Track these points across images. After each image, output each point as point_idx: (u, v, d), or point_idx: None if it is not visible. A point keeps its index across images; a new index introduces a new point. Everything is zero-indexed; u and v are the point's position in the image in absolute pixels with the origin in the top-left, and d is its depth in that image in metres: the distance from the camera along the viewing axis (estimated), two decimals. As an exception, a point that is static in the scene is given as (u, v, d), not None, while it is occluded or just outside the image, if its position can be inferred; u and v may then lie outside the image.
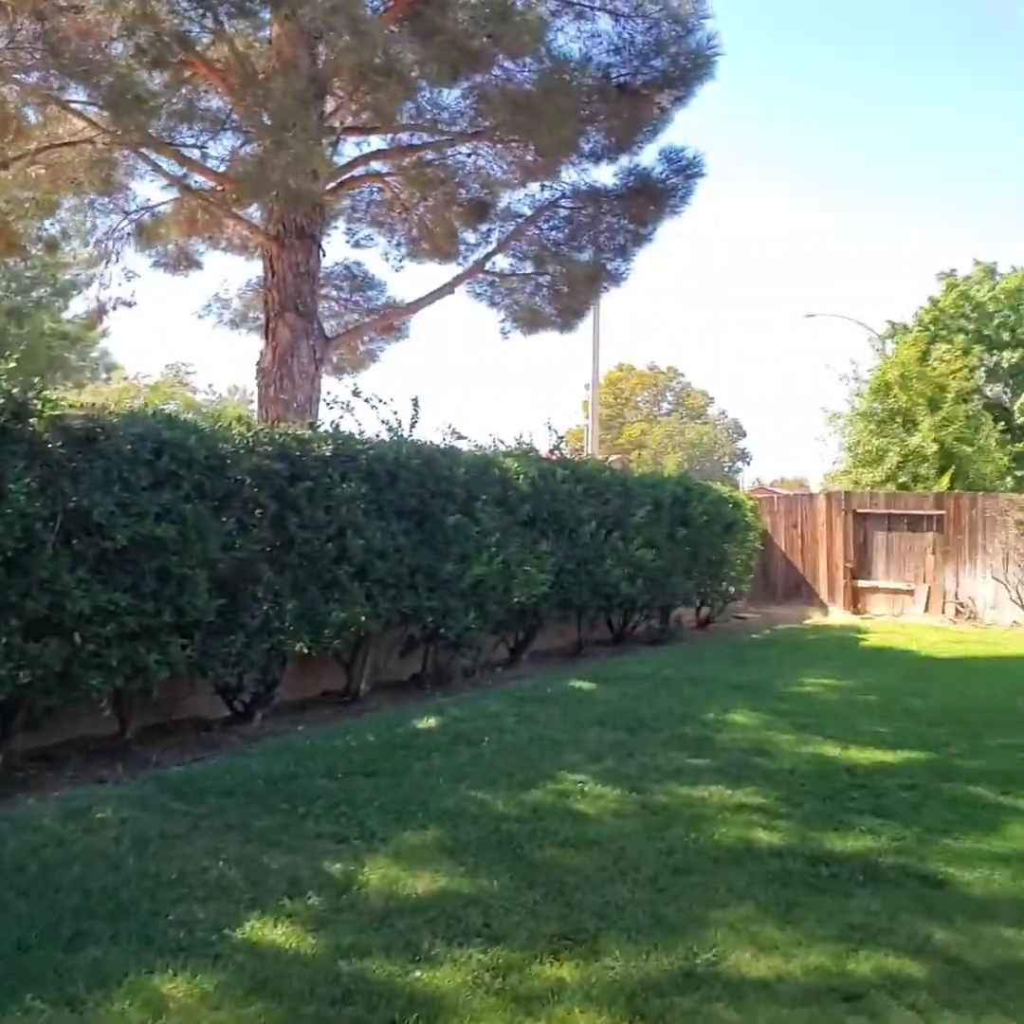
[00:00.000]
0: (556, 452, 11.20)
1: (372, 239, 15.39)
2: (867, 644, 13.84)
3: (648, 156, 12.94)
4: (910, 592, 17.64)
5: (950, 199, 76.69)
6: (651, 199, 12.76)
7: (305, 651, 7.79)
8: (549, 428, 11.55)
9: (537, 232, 13.59)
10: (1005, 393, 38.39)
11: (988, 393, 36.04)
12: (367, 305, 16.09)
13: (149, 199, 13.72)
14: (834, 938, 3.91)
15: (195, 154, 11.82)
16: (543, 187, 13.47)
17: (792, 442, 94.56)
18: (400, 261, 15.18)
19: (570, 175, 13.23)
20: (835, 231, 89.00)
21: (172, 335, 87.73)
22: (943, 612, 17.08)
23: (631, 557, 11.74)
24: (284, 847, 4.96)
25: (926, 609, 17.31)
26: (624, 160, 12.92)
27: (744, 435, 71.70)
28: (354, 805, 5.61)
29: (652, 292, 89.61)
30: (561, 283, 13.51)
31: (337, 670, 8.85)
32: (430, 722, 7.87)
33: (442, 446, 9.40)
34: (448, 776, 6.30)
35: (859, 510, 18.36)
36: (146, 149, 11.40)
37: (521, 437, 10.87)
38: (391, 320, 15.13)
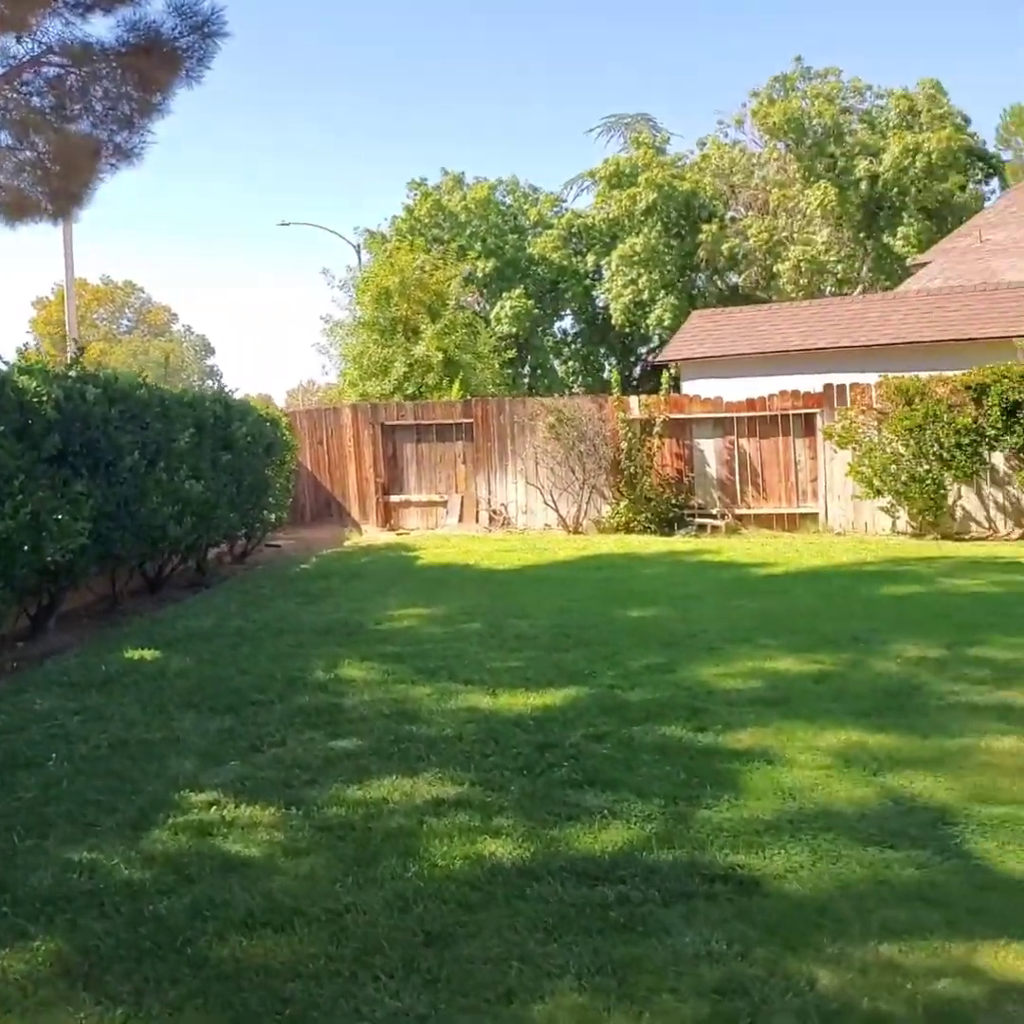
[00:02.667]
0: (76, 366, 8.84)
1: None
2: (424, 562, 13.18)
3: (156, 10, 10.60)
4: (443, 503, 17.37)
5: (422, 110, 78.09)
6: (162, 61, 10.42)
7: None
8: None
9: (16, 96, 10.65)
10: (479, 301, 40.13)
11: (463, 302, 37.42)
12: None
13: None
14: (713, 1019, 2.85)
15: None
16: (18, 40, 10.56)
17: (260, 357, 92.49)
18: None
19: (56, 27, 10.48)
20: (306, 144, 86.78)
21: None
22: (477, 520, 17.02)
23: (178, 492, 9.80)
24: None
25: (460, 519, 17.15)
26: (126, 12, 10.45)
27: (213, 352, 70.07)
28: None
29: (109, 203, 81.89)
30: (54, 160, 10.77)
31: None
32: (-43, 745, 5.68)
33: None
34: (24, 828, 4.41)
35: (388, 422, 17.65)
36: None
37: (25, 347, 8.41)
38: None
